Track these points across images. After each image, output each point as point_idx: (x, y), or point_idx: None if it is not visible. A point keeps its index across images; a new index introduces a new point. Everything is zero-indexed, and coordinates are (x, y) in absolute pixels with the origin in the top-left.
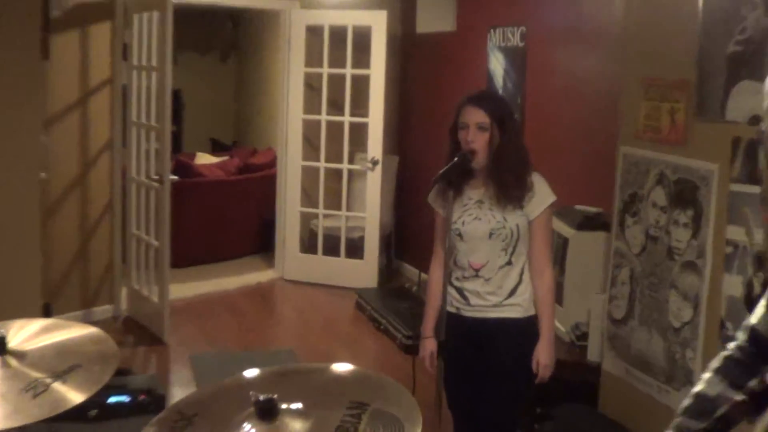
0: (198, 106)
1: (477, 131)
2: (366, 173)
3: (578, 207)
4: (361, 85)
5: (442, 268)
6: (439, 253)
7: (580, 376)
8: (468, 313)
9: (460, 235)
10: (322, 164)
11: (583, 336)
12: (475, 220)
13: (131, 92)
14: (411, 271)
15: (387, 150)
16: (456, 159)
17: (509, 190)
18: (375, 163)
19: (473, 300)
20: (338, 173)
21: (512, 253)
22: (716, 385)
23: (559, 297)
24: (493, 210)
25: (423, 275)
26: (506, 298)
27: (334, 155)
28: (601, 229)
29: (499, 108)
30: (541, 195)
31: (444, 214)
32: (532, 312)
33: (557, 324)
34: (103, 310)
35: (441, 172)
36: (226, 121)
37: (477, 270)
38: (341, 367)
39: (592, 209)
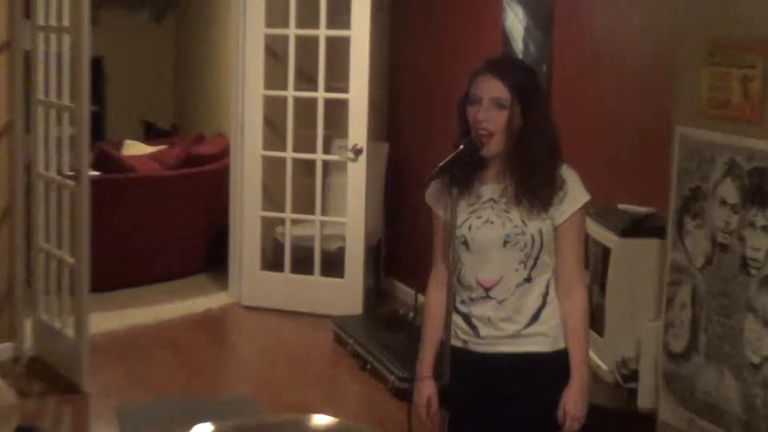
0: (126, 79)
1: (492, 108)
2: (346, 166)
3: (622, 207)
4: (339, 52)
5: (443, 289)
6: (439, 269)
7: (628, 428)
8: (478, 347)
9: (465, 243)
10: (289, 154)
11: (632, 376)
12: (485, 225)
13: (36, 61)
14: (406, 292)
15: (374, 135)
16: (461, 147)
17: (535, 187)
18: (358, 152)
19: (484, 330)
20: (310, 166)
21: (533, 267)
22: None
23: (598, 325)
24: (510, 211)
25: (421, 297)
26: (527, 326)
27: (305, 142)
28: (652, 235)
29: (523, 80)
30: (574, 193)
31: (445, 216)
32: (562, 344)
33: (597, 360)
34: (0, 349)
35: (441, 164)
36: (162, 99)
37: (487, 289)
38: (317, 420)
39: (641, 209)
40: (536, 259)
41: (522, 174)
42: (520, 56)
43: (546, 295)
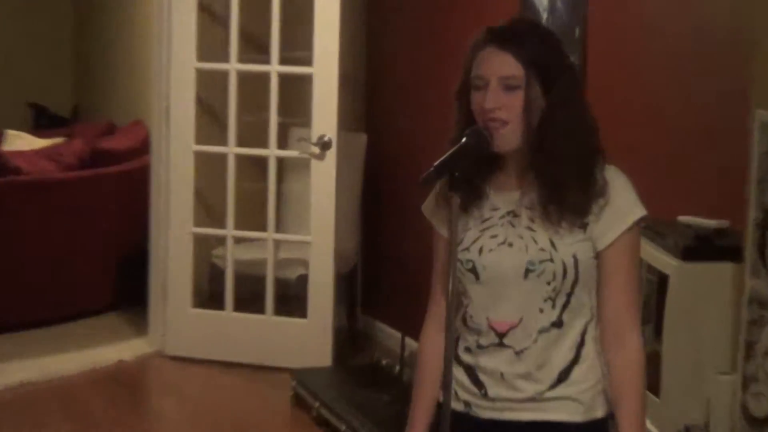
0: (6, 49)
1: (502, 91)
2: (310, 165)
3: (684, 219)
4: (299, 10)
5: (441, 333)
6: (439, 306)
7: None
8: (484, 411)
9: (474, 271)
10: (231, 150)
11: None
12: (501, 247)
13: None
14: (390, 336)
15: (347, 123)
16: (464, 140)
17: (564, 192)
18: (326, 146)
19: (494, 389)
20: (261, 165)
21: (564, 307)
22: None
23: (653, 380)
24: (535, 229)
25: (412, 343)
26: (552, 388)
27: (254, 133)
28: (724, 257)
29: (540, 48)
30: (621, 204)
31: (448, 234)
32: (599, 413)
33: (651, 428)
34: None
35: (439, 162)
36: (58, 76)
37: (502, 334)
38: None
39: (709, 223)
40: (569, 295)
41: (546, 174)
42: (544, 16)
43: (581, 346)
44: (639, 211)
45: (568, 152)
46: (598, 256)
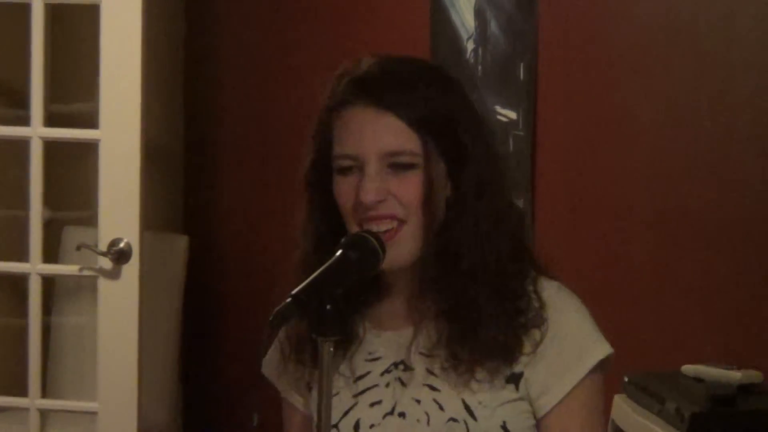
0: None
1: (388, 173)
2: (96, 286)
3: (691, 370)
4: (77, 37)
5: None
6: None
7: None
8: None
9: None
10: None
11: None
12: (389, 420)
13: None
14: None
15: (156, 221)
16: (339, 253)
17: (478, 323)
18: (122, 256)
19: None
20: (17, 289)
21: None
22: None
23: None
24: (439, 388)
25: None
26: None
27: (3, 237)
28: (757, 428)
29: (442, 105)
30: (571, 339)
31: (303, 406)
32: None
33: None
34: None
35: (300, 289)
36: None
37: None
38: None
39: (732, 375)
40: None
41: (450, 297)
42: (469, 48)
43: None
44: (600, 349)
45: (483, 261)
46: (539, 424)
